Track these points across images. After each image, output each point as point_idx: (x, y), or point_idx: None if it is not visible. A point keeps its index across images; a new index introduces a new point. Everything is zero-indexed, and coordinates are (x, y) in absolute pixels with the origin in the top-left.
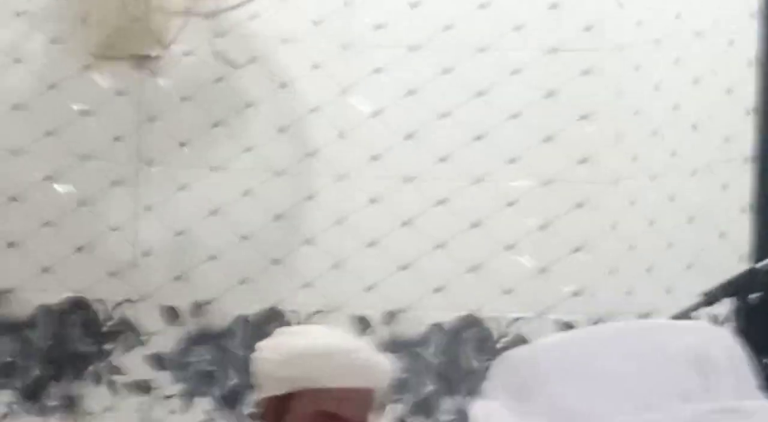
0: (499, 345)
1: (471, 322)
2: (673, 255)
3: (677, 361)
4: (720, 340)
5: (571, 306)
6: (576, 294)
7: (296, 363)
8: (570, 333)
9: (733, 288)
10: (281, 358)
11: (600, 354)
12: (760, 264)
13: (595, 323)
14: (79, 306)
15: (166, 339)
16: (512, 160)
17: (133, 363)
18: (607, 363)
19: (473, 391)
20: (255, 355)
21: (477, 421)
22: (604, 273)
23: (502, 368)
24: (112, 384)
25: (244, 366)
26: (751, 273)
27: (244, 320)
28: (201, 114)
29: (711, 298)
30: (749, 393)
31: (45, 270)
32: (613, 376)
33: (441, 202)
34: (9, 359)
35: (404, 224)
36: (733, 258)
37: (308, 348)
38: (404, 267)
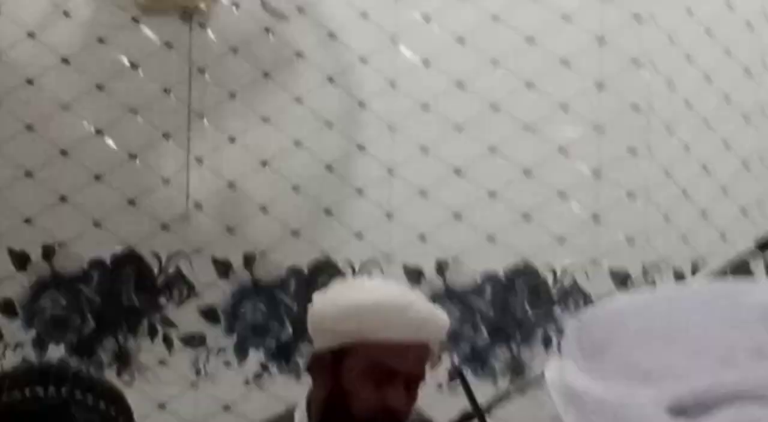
0: (552, 293)
1: (524, 271)
2: (728, 201)
3: (752, 319)
4: None
5: (625, 254)
6: (630, 241)
7: (352, 316)
8: (643, 293)
9: None
10: (337, 311)
11: (674, 314)
12: None
13: (650, 270)
14: (130, 259)
15: (218, 292)
16: (564, 107)
17: (186, 317)
18: (681, 323)
19: (527, 340)
20: (310, 308)
21: (551, 381)
22: (657, 219)
23: (575, 328)
24: (165, 338)
25: (297, 318)
26: None
27: (296, 271)
28: (250, 65)
29: (763, 245)
30: None
31: (96, 224)
32: (688, 335)
33: (492, 150)
34: (62, 314)
35: (455, 173)
36: None
37: (364, 302)
38: (456, 217)
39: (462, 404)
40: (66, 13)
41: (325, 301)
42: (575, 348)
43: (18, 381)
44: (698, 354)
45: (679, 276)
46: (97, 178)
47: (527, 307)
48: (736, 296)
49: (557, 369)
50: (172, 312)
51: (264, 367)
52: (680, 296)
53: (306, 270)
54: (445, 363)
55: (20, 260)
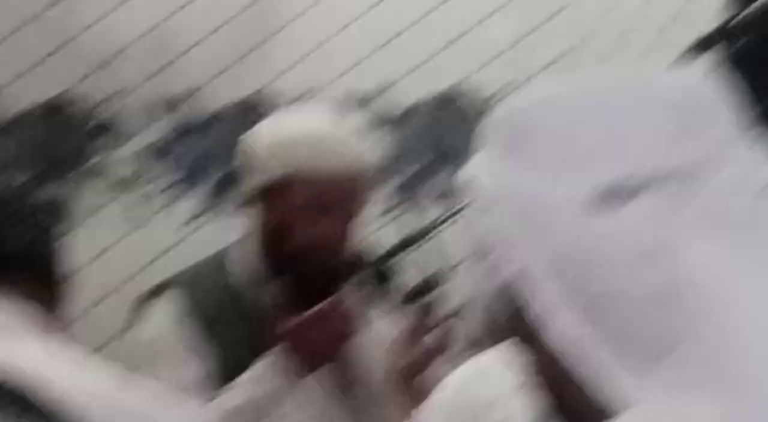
0: (484, 117)
1: (453, 96)
2: (649, 19)
3: (664, 106)
4: (706, 85)
5: (549, 74)
6: (553, 62)
7: (285, 149)
8: (560, 85)
9: (709, 42)
10: (269, 145)
11: (592, 103)
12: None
13: None
14: (60, 107)
15: (149, 135)
16: None
17: (119, 162)
18: (599, 112)
19: (458, 165)
20: (244, 143)
21: (467, 179)
22: (580, 38)
23: (494, 121)
24: (98, 185)
25: (230, 156)
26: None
27: (227, 109)
28: None
29: (690, 56)
30: (733, 138)
31: (22, 75)
32: (606, 124)
33: None
34: None
35: (380, 1)
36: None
37: (296, 134)
38: (384, 46)
39: (404, 228)
40: None
41: (258, 135)
42: (493, 141)
43: None
44: (615, 141)
45: None
46: (20, 28)
47: (458, 133)
48: (648, 84)
49: (474, 167)
50: (104, 158)
51: (199, 208)
52: (596, 86)
53: (237, 107)
54: (381, 194)
55: None
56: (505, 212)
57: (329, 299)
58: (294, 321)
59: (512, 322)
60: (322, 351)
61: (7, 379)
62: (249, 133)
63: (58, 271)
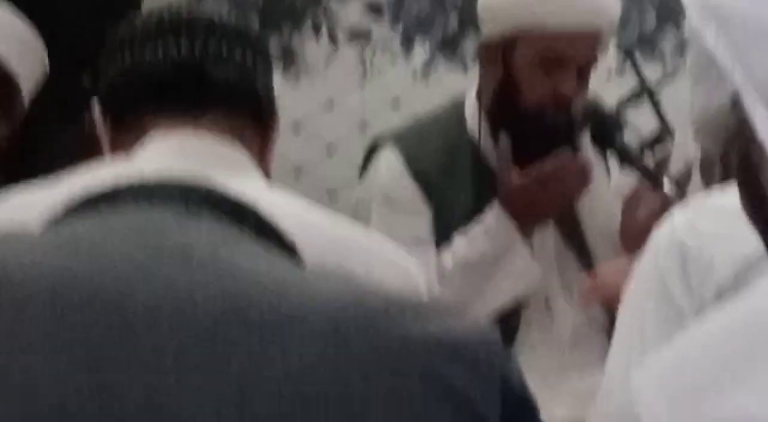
0: None
1: None
2: None
3: None
4: None
5: None
6: None
7: (517, 4)
8: None
9: None
10: (502, 0)
11: None
12: None
13: None
14: None
15: None
16: None
17: (351, 11)
18: None
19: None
20: None
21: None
22: None
23: None
24: (330, 34)
25: (463, 7)
26: None
27: None
28: None
29: None
30: None
31: None
32: None
33: None
34: None
35: None
36: None
37: None
38: None
39: (630, 86)
40: None
41: None
42: None
43: (142, 36)
44: None
45: None
46: None
47: None
48: None
49: None
50: (335, 7)
51: (430, 60)
52: None
53: None
54: (613, 48)
55: None
56: (719, 34)
57: (558, 155)
58: (523, 176)
59: (728, 152)
60: (550, 207)
61: (233, 198)
62: None
63: (272, 116)
